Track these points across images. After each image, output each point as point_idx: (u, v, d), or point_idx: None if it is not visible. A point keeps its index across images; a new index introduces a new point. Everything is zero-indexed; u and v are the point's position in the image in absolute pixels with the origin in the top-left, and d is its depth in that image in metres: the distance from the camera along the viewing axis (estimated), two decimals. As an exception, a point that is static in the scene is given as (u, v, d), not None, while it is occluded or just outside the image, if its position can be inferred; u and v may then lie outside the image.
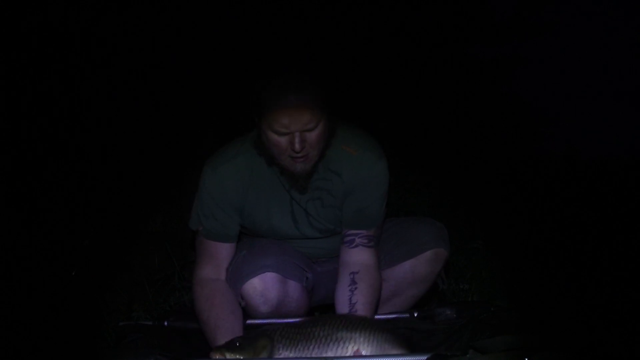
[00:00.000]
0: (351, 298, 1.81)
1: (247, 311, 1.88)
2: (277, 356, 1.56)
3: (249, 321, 1.78)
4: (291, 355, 1.55)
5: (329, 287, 2.09)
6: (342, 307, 1.82)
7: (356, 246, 1.89)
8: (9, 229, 2.46)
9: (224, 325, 1.74)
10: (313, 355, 1.53)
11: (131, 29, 2.91)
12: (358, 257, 1.88)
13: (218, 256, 1.91)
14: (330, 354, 1.54)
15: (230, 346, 1.56)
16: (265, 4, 3.13)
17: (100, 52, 2.93)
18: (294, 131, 1.63)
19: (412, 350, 1.59)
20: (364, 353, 1.55)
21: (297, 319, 1.72)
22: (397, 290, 2.02)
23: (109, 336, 2.22)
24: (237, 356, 1.54)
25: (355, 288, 1.81)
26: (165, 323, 1.78)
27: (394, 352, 1.58)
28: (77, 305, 2.26)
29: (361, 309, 1.78)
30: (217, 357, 1.53)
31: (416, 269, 1.96)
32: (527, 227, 3.70)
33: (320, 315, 1.72)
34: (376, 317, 1.85)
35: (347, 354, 1.54)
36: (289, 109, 1.62)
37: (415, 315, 1.84)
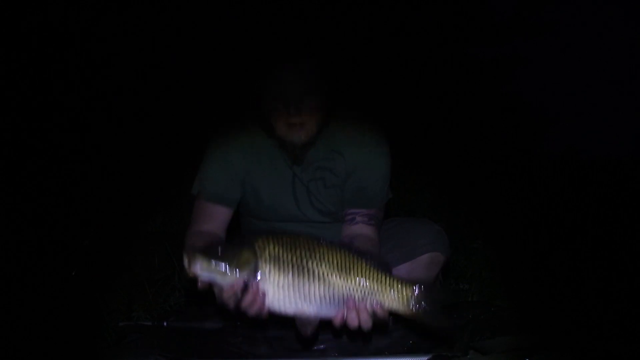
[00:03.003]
0: None
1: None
2: (261, 278, 1.45)
3: (249, 321, 1.77)
4: (277, 282, 1.45)
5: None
6: None
7: (357, 223, 1.89)
8: (9, 229, 2.46)
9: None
10: (298, 291, 1.44)
11: (131, 29, 2.91)
12: (359, 231, 1.87)
13: (216, 218, 1.90)
14: (324, 303, 1.46)
15: (208, 255, 1.44)
16: (264, 3, 3.13)
17: (100, 52, 2.93)
18: (291, 96, 1.72)
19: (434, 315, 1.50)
20: (365, 307, 1.47)
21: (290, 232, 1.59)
22: None
23: (109, 336, 2.22)
24: (214, 271, 1.42)
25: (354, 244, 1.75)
26: (165, 323, 1.77)
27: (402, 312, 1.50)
28: (77, 305, 2.26)
29: None
30: (188, 265, 1.42)
31: (413, 272, 1.92)
32: (527, 227, 3.70)
33: (321, 241, 1.53)
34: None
35: (335, 304, 1.46)
36: (287, 74, 1.73)
37: (415, 315, 1.81)
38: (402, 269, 1.94)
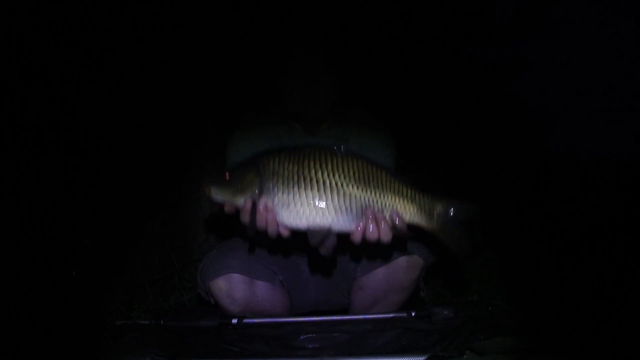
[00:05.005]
0: None
1: (219, 309, 1.91)
2: (266, 195, 1.45)
3: (245, 320, 1.78)
4: (283, 197, 1.45)
5: (320, 291, 2.10)
6: None
7: None
8: (9, 229, 2.47)
9: None
10: (309, 204, 1.43)
11: (130, 27, 2.91)
12: None
13: None
14: (341, 215, 1.44)
15: (217, 180, 1.49)
16: (264, 3, 3.13)
17: (99, 51, 2.93)
18: (309, 70, 1.91)
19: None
20: (376, 218, 1.46)
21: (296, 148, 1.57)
22: (377, 298, 1.99)
23: (109, 336, 2.23)
24: (224, 194, 1.47)
25: None
26: (162, 322, 1.77)
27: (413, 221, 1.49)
28: (77, 305, 2.26)
29: None
30: (206, 192, 1.49)
31: (390, 276, 1.92)
32: (527, 227, 3.70)
33: (325, 149, 1.50)
34: (371, 317, 1.81)
35: (352, 216, 1.45)
36: (305, 54, 1.95)
37: (413, 314, 1.81)
38: (378, 273, 1.94)
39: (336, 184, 1.45)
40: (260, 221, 1.46)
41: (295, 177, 1.45)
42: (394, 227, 1.49)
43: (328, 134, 2.07)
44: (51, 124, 2.82)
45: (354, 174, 1.47)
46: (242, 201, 1.48)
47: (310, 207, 1.44)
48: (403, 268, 1.90)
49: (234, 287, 1.85)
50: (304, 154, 1.48)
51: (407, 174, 1.57)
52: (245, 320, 1.77)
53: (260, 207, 1.45)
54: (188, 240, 3.18)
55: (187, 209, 3.22)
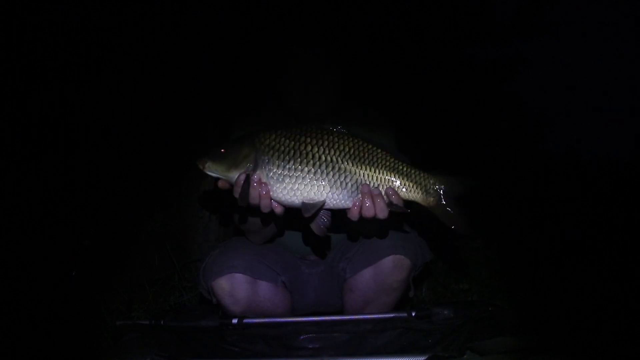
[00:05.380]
0: None
1: (221, 309, 1.91)
2: (261, 169, 1.44)
3: (245, 320, 1.78)
4: (278, 172, 1.43)
5: (320, 292, 2.10)
6: None
7: None
8: (9, 229, 2.46)
9: None
10: (303, 178, 1.42)
11: (130, 27, 2.91)
12: None
13: None
14: (336, 190, 1.43)
15: (213, 154, 1.48)
16: (264, 3, 3.12)
17: (99, 51, 2.92)
18: (309, 69, 1.90)
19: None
20: (371, 193, 1.45)
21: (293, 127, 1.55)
22: (367, 299, 1.97)
23: (109, 336, 2.23)
24: (218, 168, 1.46)
25: None
26: (162, 322, 1.77)
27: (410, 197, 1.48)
28: (77, 305, 2.26)
29: None
30: (200, 167, 1.48)
31: (377, 277, 1.90)
32: (527, 227, 3.69)
33: (322, 127, 1.49)
34: (371, 317, 1.81)
35: (347, 192, 1.44)
36: (306, 53, 1.94)
37: (413, 314, 1.81)
38: (365, 274, 1.92)
39: (332, 160, 1.45)
40: (254, 196, 1.45)
41: (292, 152, 1.44)
42: (390, 203, 1.48)
43: None
44: (51, 124, 2.82)
45: (349, 150, 1.47)
46: (236, 175, 1.47)
47: (305, 182, 1.43)
48: (389, 268, 1.88)
49: (236, 287, 1.85)
50: (300, 130, 1.48)
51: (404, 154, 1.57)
52: (245, 321, 1.77)
53: (254, 181, 1.44)
54: (188, 240, 3.18)
55: (187, 209, 3.22)
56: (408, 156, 1.60)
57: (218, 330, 1.75)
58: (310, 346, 1.76)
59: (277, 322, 1.74)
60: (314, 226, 1.49)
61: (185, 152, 3.18)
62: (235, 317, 1.77)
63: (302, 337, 1.76)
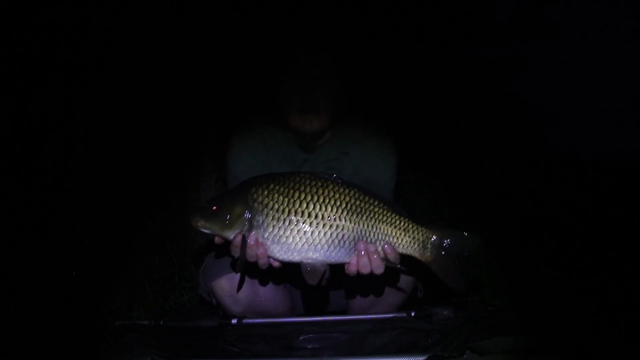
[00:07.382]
0: None
1: (221, 309, 1.90)
2: (256, 230, 1.40)
3: (245, 320, 1.78)
4: (274, 232, 1.39)
5: (320, 294, 2.09)
6: None
7: None
8: (10, 229, 2.47)
9: None
10: (300, 238, 1.39)
11: (130, 27, 2.91)
12: None
13: None
14: (333, 248, 1.40)
15: (206, 212, 1.43)
16: (264, 3, 3.12)
17: (99, 51, 2.92)
18: (306, 87, 1.83)
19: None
20: (373, 257, 1.43)
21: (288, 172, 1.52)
22: (374, 300, 1.96)
23: (109, 336, 2.23)
24: (212, 227, 1.42)
25: None
26: (162, 322, 1.77)
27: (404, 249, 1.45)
28: (77, 305, 2.26)
29: None
30: (194, 225, 1.45)
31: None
32: (527, 227, 3.69)
33: (328, 181, 1.44)
34: (371, 317, 1.81)
35: (345, 249, 1.42)
36: (303, 69, 1.87)
37: (413, 314, 1.82)
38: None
39: (328, 217, 1.42)
40: (251, 255, 1.44)
41: (286, 211, 1.41)
42: (386, 259, 1.47)
43: (329, 146, 2.02)
44: (51, 124, 2.82)
45: (346, 205, 1.44)
46: (231, 235, 1.45)
47: (302, 242, 1.41)
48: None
49: (237, 287, 1.85)
50: (294, 183, 1.44)
51: (402, 205, 1.55)
52: (245, 321, 1.77)
53: (251, 241, 1.42)
54: (188, 240, 3.18)
55: (187, 209, 3.22)
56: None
57: (218, 330, 1.75)
58: (310, 346, 1.76)
59: (277, 322, 1.74)
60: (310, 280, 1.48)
61: (185, 152, 3.19)
62: (235, 317, 1.77)
63: (302, 337, 1.76)
